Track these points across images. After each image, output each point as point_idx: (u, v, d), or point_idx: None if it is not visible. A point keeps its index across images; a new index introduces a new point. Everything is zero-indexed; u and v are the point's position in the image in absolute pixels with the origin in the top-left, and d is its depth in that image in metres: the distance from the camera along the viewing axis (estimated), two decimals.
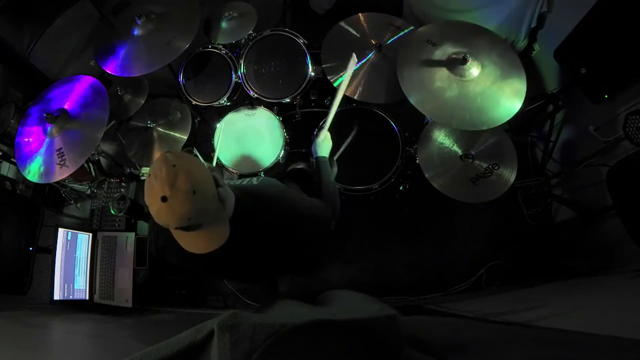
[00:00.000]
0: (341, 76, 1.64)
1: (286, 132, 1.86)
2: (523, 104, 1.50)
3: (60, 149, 1.71)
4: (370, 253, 2.17)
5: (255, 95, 1.87)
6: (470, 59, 1.49)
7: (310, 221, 1.14)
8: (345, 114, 1.85)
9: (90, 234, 2.07)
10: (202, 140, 2.14)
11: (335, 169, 1.65)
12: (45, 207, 2.26)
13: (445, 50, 1.59)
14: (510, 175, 1.67)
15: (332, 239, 2.15)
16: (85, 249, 2.04)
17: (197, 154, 1.99)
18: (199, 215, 0.86)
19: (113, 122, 2.21)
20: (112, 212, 1.94)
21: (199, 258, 1.08)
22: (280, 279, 2.07)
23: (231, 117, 1.92)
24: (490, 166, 1.68)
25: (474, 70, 1.52)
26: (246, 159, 1.84)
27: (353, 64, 1.46)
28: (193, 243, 0.96)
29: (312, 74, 1.84)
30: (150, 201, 0.85)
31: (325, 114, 1.85)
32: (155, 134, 2.01)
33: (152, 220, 1.15)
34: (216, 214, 0.92)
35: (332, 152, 1.56)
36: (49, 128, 1.74)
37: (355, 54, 1.45)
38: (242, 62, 1.89)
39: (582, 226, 1.97)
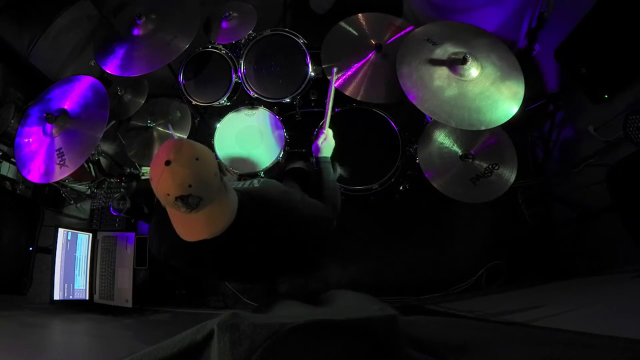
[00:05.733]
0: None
1: (286, 132, 1.86)
2: (521, 106, 1.50)
3: (60, 149, 1.71)
4: (370, 253, 2.17)
5: (255, 95, 1.87)
6: (470, 59, 1.49)
7: (311, 222, 1.15)
8: (345, 114, 1.85)
9: (90, 234, 2.07)
10: (202, 141, 2.14)
11: (338, 170, 1.65)
12: (45, 207, 2.26)
13: (446, 50, 1.59)
14: (510, 175, 1.67)
15: (332, 239, 2.15)
16: (85, 249, 2.04)
17: None
18: (199, 185, 0.87)
19: (113, 122, 2.21)
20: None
21: (201, 260, 1.09)
22: (280, 279, 2.07)
23: (231, 117, 1.92)
24: (490, 166, 1.68)
25: (473, 70, 1.53)
26: (246, 159, 1.84)
27: (334, 78, 1.57)
28: (192, 228, 0.96)
29: (312, 74, 1.84)
30: (153, 172, 0.88)
31: (324, 114, 1.86)
32: (155, 133, 2.01)
33: (154, 223, 1.15)
34: (217, 193, 0.93)
35: (334, 155, 1.56)
36: (49, 128, 1.74)
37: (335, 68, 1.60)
38: (242, 62, 1.89)
39: (582, 226, 1.97)
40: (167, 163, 0.85)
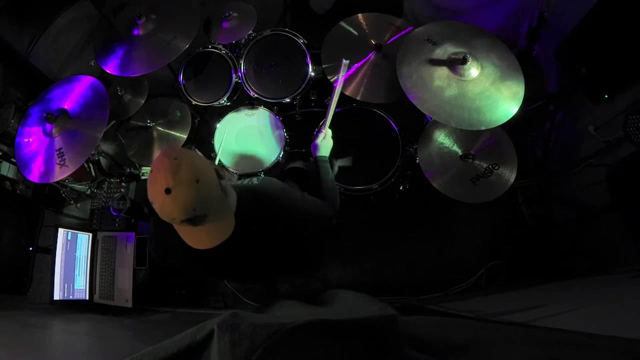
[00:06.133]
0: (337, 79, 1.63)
1: (286, 132, 1.86)
2: (521, 106, 1.50)
3: (60, 149, 1.71)
4: (370, 253, 2.17)
5: (255, 95, 1.87)
6: (470, 59, 1.49)
7: (311, 219, 1.15)
8: (346, 114, 1.85)
9: (90, 234, 2.07)
10: (202, 141, 2.14)
11: (335, 168, 1.65)
12: (45, 207, 2.26)
13: (446, 50, 1.59)
14: (510, 175, 1.67)
15: (332, 238, 2.15)
16: (85, 249, 2.04)
17: (197, 150, 1.99)
18: (203, 205, 0.86)
19: (113, 122, 2.21)
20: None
21: (202, 259, 1.09)
22: (280, 279, 2.07)
23: (231, 117, 1.92)
24: (490, 166, 1.68)
25: (473, 70, 1.52)
26: (246, 159, 1.84)
27: (344, 69, 1.48)
28: (199, 239, 0.96)
29: (312, 74, 1.84)
30: (153, 196, 0.85)
31: (324, 114, 1.86)
32: (155, 133, 2.01)
33: (154, 222, 1.15)
34: (220, 205, 0.93)
35: (334, 157, 1.55)
36: (49, 128, 1.74)
37: (345, 59, 1.48)
38: (242, 62, 1.89)
39: (582, 226, 1.97)
40: (168, 191, 0.81)
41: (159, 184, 0.82)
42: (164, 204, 0.83)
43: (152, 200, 0.86)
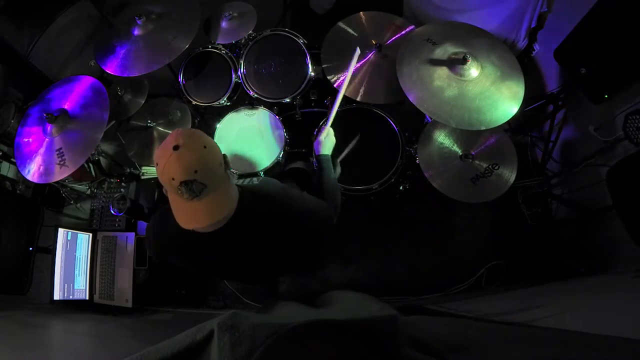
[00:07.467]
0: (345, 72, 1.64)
1: (286, 132, 1.87)
2: (521, 106, 1.50)
3: (60, 149, 1.71)
4: (370, 253, 2.17)
5: (255, 95, 1.87)
6: (469, 59, 1.49)
7: (310, 218, 1.15)
8: (345, 114, 1.85)
9: (90, 234, 2.07)
10: None
11: (338, 169, 1.65)
12: (45, 207, 2.26)
13: (446, 50, 1.59)
14: (510, 175, 1.67)
15: (332, 238, 2.15)
16: (85, 249, 2.04)
17: None
18: (204, 172, 0.88)
19: (113, 122, 2.21)
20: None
21: (201, 256, 1.09)
22: (281, 279, 2.07)
23: (231, 117, 1.92)
24: (490, 166, 1.68)
25: (473, 70, 1.53)
26: (246, 159, 1.84)
27: (356, 58, 1.49)
28: (190, 215, 0.94)
29: (312, 74, 1.84)
30: (160, 154, 0.89)
31: (326, 113, 1.86)
32: (155, 133, 2.01)
33: (155, 218, 1.15)
34: (221, 183, 0.94)
35: (335, 154, 1.55)
36: (49, 128, 1.74)
37: (359, 47, 1.50)
38: (242, 62, 1.89)
39: (582, 226, 1.97)
40: (176, 148, 0.86)
41: (169, 142, 0.88)
42: (168, 162, 0.86)
43: (157, 162, 0.89)
